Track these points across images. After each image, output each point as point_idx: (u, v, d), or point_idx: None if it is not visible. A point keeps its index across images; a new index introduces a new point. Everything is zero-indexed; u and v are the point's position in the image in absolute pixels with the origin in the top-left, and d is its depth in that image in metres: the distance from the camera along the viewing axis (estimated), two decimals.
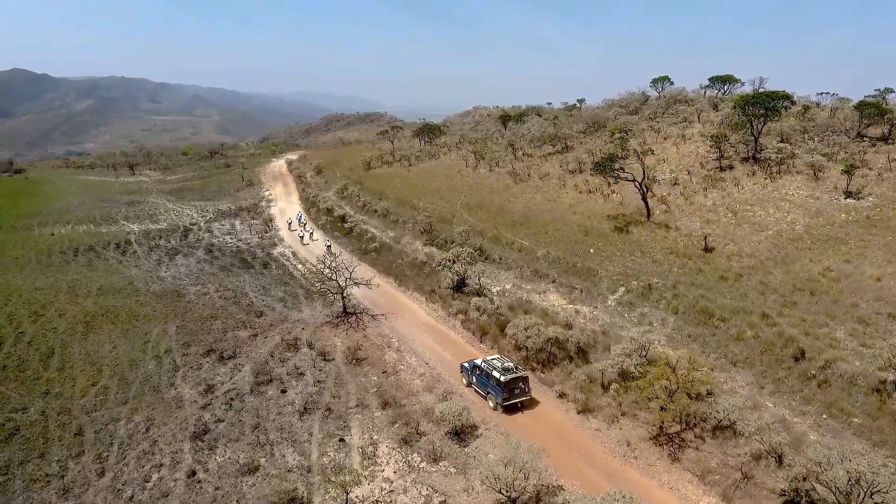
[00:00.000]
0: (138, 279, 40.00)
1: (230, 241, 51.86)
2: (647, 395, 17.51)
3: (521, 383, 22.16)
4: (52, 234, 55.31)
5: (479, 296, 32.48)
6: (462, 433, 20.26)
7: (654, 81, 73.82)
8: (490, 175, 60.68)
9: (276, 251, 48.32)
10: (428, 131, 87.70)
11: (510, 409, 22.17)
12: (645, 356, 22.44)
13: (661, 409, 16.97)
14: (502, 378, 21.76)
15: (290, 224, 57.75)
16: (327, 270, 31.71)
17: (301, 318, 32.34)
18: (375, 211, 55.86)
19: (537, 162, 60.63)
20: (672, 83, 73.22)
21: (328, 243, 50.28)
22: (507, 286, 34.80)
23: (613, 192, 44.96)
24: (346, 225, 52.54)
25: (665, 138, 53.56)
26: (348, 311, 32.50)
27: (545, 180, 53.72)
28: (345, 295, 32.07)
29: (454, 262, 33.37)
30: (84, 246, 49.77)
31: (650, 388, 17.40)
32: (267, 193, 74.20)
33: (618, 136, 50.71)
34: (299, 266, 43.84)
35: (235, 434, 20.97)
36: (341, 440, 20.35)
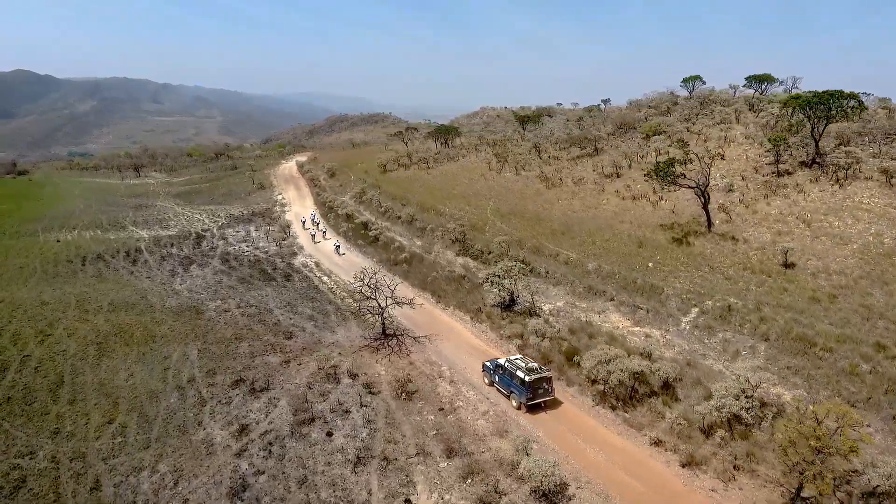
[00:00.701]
0: (152, 292, 36.94)
1: (246, 249, 48.78)
2: (795, 458, 14.31)
3: (544, 383, 22.37)
4: (58, 241, 52.37)
5: (533, 316, 29.34)
6: (551, 493, 17.06)
7: (685, 81, 70.83)
8: (517, 179, 57.60)
9: (297, 261, 45.20)
10: (444, 132, 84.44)
11: (533, 409, 22.35)
12: (753, 396, 19.31)
13: (816, 475, 13.77)
14: (527, 378, 21.92)
15: (304, 223, 56.83)
16: (366, 288, 28.51)
17: (336, 341, 29.16)
18: (399, 217, 52.71)
19: (567, 165, 57.55)
20: (704, 83, 70.19)
21: (337, 244, 48.20)
22: (559, 304, 31.64)
23: (661, 198, 41.85)
24: (370, 233, 49.36)
25: (706, 140, 50.44)
26: (388, 332, 29.36)
27: (580, 185, 50.62)
28: (385, 316, 28.88)
29: (503, 277, 30.17)
30: (92, 254, 46.81)
31: (799, 452, 14.11)
32: (280, 197, 71.09)
33: (677, 140, 47.59)
34: (324, 278, 40.68)
35: (280, 491, 17.81)
36: (407, 501, 17.17)
